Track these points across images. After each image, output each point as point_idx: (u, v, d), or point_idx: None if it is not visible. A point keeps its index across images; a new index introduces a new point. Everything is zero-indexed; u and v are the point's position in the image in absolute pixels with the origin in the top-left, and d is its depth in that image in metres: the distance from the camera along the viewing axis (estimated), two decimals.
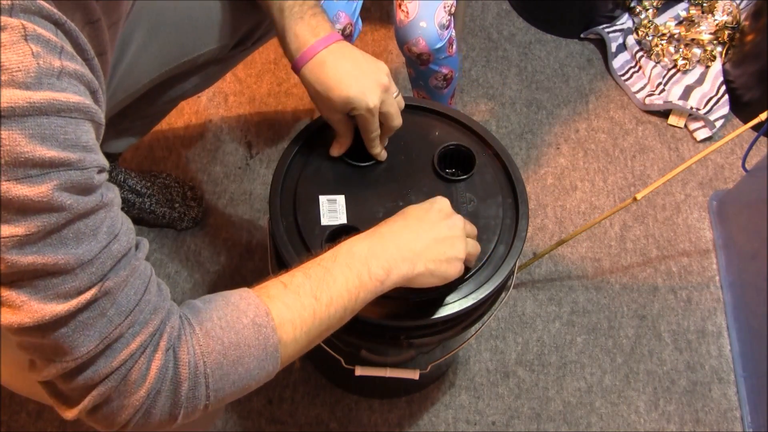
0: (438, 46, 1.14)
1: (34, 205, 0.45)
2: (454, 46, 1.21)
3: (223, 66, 1.08)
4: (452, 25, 1.17)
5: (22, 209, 0.45)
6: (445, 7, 1.13)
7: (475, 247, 0.77)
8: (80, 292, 0.49)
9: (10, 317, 0.48)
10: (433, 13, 1.12)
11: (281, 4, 0.81)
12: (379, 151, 0.87)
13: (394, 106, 0.83)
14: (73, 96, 0.46)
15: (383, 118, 0.83)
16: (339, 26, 1.19)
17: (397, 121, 0.84)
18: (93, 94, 0.50)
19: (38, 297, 0.47)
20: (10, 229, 0.45)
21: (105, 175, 0.50)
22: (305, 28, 0.80)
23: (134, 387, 0.52)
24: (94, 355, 0.51)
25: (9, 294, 0.47)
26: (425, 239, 0.70)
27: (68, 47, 0.47)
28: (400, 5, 1.14)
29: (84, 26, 0.53)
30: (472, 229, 0.79)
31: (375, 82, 0.79)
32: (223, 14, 0.96)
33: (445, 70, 1.22)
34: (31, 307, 0.47)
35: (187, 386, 0.54)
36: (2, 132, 0.43)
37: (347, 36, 1.22)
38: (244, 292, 0.61)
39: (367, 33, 1.68)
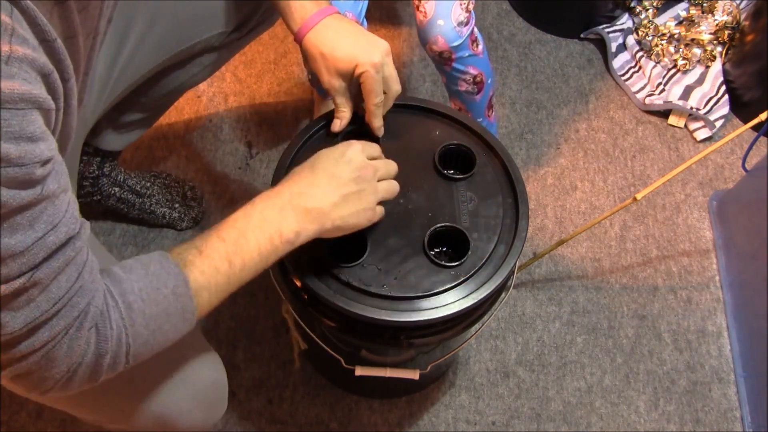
0: (457, 43, 1.14)
1: None
2: (481, 46, 1.20)
3: (221, 55, 1.09)
4: (473, 22, 1.17)
5: None
6: (461, 5, 1.13)
7: (389, 189, 0.79)
8: (8, 280, 0.49)
9: None
10: (449, 10, 1.12)
11: None
12: (380, 125, 0.87)
13: (394, 69, 0.84)
14: (20, 85, 0.45)
15: (385, 83, 0.83)
16: None
17: (397, 85, 0.85)
18: (45, 77, 0.49)
19: None
20: None
21: (50, 166, 0.49)
22: (305, 1, 0.83)
23: (55, 363, 0.54)
24: (19, 335, 0.52)
25: None
26: (333, 197, 0.72)
27: (21, 29, 0.46)
28: (418, 7, 1.15)
29: (53, 7, 0.52)
30: (388, 169, 0.80)
31: (377, 43, 0.82)
32: (220, 1, 0.97)
33: (473, 71, 1.21)
34: None
35: (108, 358, 0.57)
36: None
37: None
38: (163, 259, 0.62)
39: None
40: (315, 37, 0.82)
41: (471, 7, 1.16)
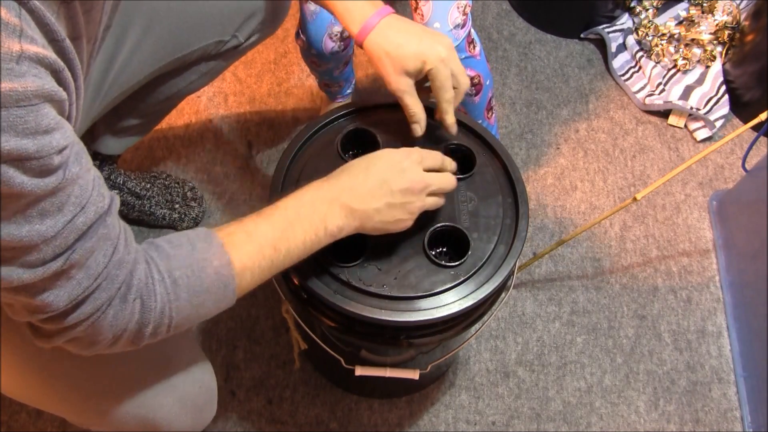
0: (454, 45, 1.14)
1: None
2: (478, 48, 1.20)
3: (218, 63, 1.09)
4: (469, 24, 1.17)
5: None
6: (458, 7, 1.13)
7: (435, 203, 0.79)
8: (45, 263, 0.52)
9: None
10: (446, 13, 1.12)
11: None
12: (453, 122, 0.85)
13: (460, 64, 0.82)
14: (32, 82, 0.46)
15: (453, 78, 0.82)
16: (338, 28, 1.19)
17: (465, 78, 0.83)
18: (56, 74, 0.50)
19: (5, 267, 0.51)
20: None
21: (67, 152, 0.51)
22: (363, 2, 0.82)
23: (101, 331, 0.58)
24: (65, 310, 0.55)
25: None
26: (379, 203, 0.73)
27: (29, 29, 0.47)
28: (415, 9, 1.15)
29: (59, 6, 0.54)
30: (442, 184, 0.78)
31: (440, 39, 0.81)
32: (217, 10, 0.97)
33: (470, 73, 1.20)
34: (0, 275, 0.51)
35: (151, 328, 0.60)
36: None
37: (347, 37, 1.23)
38: (210, 237, 0.64)
39: None
40: (378, 38, 0.81)
41: (468, 9, 1.16)
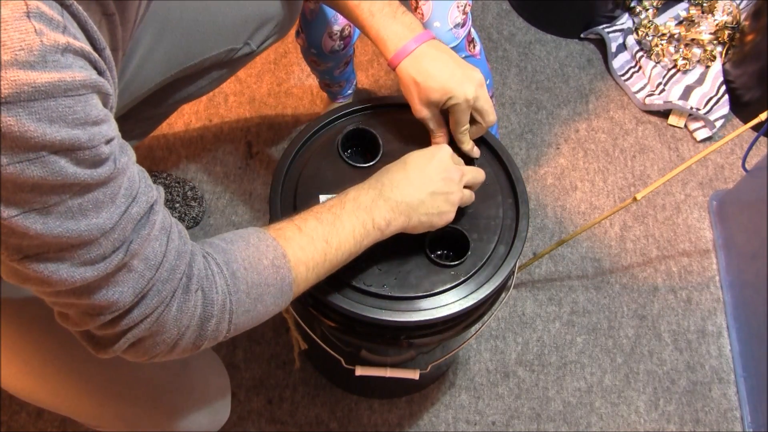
0: (453, 45, 1.14)
1: (48, 184, 0.46)
2: (478, 47, 1.20)
3: (229, 69, 1.08)
4: (469, 23, 1.17)
5: (37, 188, 0.46)
6: (458, 7, 1.13)
7: (469, 197, 0.82)
8: (105, 257, 0.51)
9: (41, 287, 0.51)
10: (446, 12, 1.12)
11: (370, 6, 0.83)
12: (471, 147, 0.88)
13: (489, 101, 0.84)
14: (79, 73, 0.46)
15: (478, 114, 0.84)
16: (338, 27, 1.19)
17: (493, 116, 0.85)
18: (101, 74, 0.50)
19: (66, 266, 0.50)
20: (29, 206, 0.46)
21: (115, 143, 0.51)
22: (400, 26, 0.83)
23: (166, 327, 0.57)
24: (129, 308, 0.54)
25: (37, 267, 0.49)
26: (422, 193, 0.74)
27: (72, 27, 0.47)
28: (416, 8, 1.15)
29: (101, 18, 0.54)
30: (475, 176, 0.82)
31: (472, 75, 0.82)
32: (230, 18, 0.96)
33: None
34: (61, 276, 0.50)
35: (214, 322, 0.59)
36: (8, 118, 0.43)
37: (347, 36, 1.22)
38: (261, 234, 0.65)
39: None
40: (410, 65, 0.82)
41: (468, 9, 1.16)
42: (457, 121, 0.83)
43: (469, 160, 0.89)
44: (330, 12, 1.18)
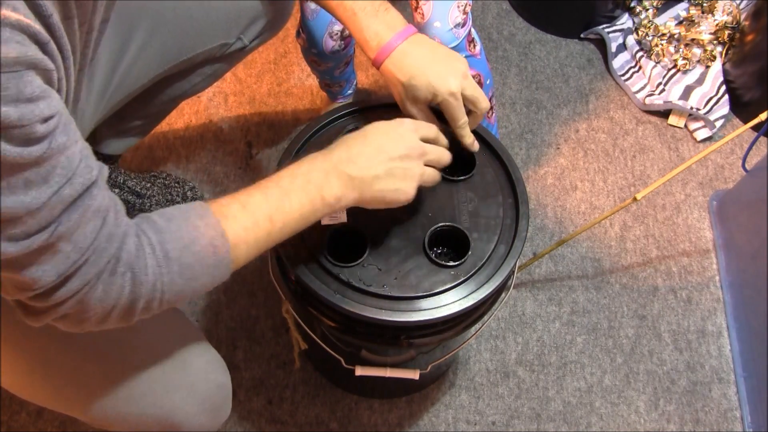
0: (453, 44, 1.14)
1: None
2: (478, 47, 1.20)
3: (222, 65, 1.09)
4: (469, 23, 1.17)
5: None
6: (459, 6, 1.13)
7: (432, 176, 0.78)
8: (29, 236, 0.51)
9: None
10: (446, 12, 1.12)
11: (353, 5, 0.82)
12: (471, 141, 0.86)
13: (477, 89, 0.83)
14: (13, 49, 0.45)
15: (469, 103, 0.83)
16: (338, 27, 1.19)
17: (484, 103, 0.84)
18: (41, 45, 0.49)
19: None
20: None
21: (54, 122, 0.50)
22: (382, 25, 0.81)
23: (90, 307, 0.57)
24: (54, 286, 0.54)
25: None
26: (378, 169, 0.72)
27: None
28: (416, 8, 1.15)
29: None
30: (439, 156, 0.79)
31: (455, 67, 0.81)
32: (222, 13, 0.97)
33: (471, 72, 1.21)
34: None
35: (143, 302, 0.59)
36: None
37: (347, 36, 1.22)
38: (203, 210, 0.63)
39: None
40: (392, 65, 0.81)
41: (468, 8, 1.16)
42: (451, 117, 0.82)
43: (469, 154, 0.88)
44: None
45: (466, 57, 1.18)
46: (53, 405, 0.79)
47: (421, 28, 1.15)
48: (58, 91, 0.53)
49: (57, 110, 0.50)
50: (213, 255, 0.62)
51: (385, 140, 0.73)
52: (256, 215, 0.65)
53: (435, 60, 0.81)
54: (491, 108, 1.32)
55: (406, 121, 0.77)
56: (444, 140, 0.82)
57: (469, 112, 0.84)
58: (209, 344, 0.86)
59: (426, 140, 0.78)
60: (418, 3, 1.14)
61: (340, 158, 0.71)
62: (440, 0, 1.12)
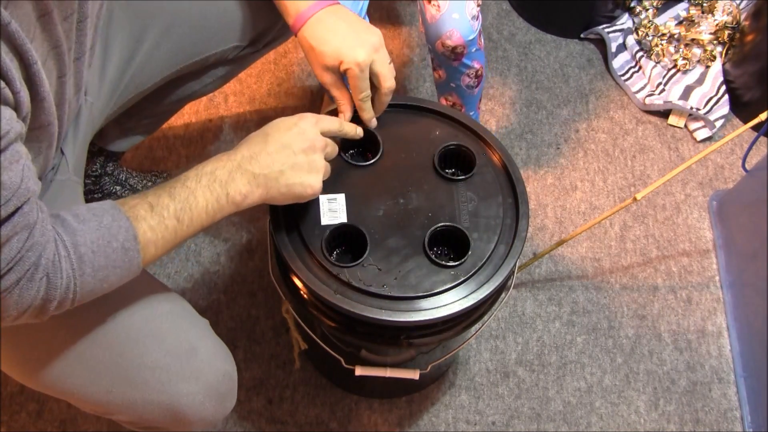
0: (471, 37, 1.15)
1: None
2: (482, 39, 1.21)
3: (234, 68, 1.09)
4: (480, 16, 1.18)
5: None
6: None
7: (327, 169, 0.80)
8: None
9: None
10: (464, 4, 1.13)
11: None
12: (370, 117, 0.88)
13: (386, 66, 0.84)
14: None
15: (375, 79, 0.84)
16: None
17: (390, 81, 0.85)
18: None
19: None
20: None
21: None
22: None
23: (7, 308, 0.59)
24: None
25: None
26: (282, 165, 0.74)
27: None
28: (430, 1, 1.15)
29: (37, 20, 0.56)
30: (333, 149, 0.81)
31: (366, 40, 0.82)
32: (237, 15, 0.97)
33: (476, 65, 1.22)
34: None
35: (56, 303, 0.61)
36: None
37: None
38: (115, 212, 0.65)
39: None
40: (307, 31, 0.83)
41: (480, 2, 1.17)
42: (354, 87, 0.84)
43: (369, 133, 0.89)
44: None
45: (476, 50, 1.19)
46: (58, 392, 0.79)
47: (437, 21, 1.15)
48: (16, 105, 0.54)
49: (6, 130, 0.52)
50: (124, 256, 0.64)
51: (286, 136, 0.75)
52: (163, 215, 0.68)
53: (349, 30, 0.82)
54: (479, 100, 1.33)
55: (307, 116, 0.78)
56: (348, 130, 0.84)
57: (374, 88, 0.85)
58: (215, 333, 0.86)
59: (328, 133, 0.79)
60: None
61: (243, 156, 0.74)
62: None
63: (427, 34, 1.19)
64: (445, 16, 1.13)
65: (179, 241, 0.71)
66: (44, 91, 0.60)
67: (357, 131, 0.86)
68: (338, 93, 0.86)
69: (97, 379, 0.76)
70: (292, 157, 0.74)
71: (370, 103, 0.86)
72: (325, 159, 0.79)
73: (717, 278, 1.40)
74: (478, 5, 1.16)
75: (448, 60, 1.20)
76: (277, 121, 0.77)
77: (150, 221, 0.67)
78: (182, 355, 0.78)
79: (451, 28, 1.14)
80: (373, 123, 0.89)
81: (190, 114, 1.51)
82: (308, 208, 0.84)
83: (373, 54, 0.82)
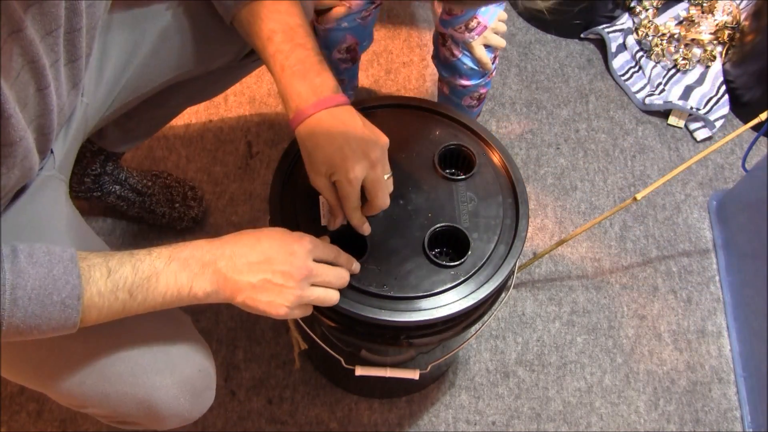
0: (483, 82, 1.20)
1: None
2: (496, 62, 1.22)
3: (237, 74, 1.08)
4: (498, 59, 1.20)
5: None
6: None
7: (323, 298, 0.75)
8: None
9: None
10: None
11: (284, 59, 0.78)
12: (360, 224, 0.81)
13: (381, 184, 0.79)
14: None
15: (367, 193, 0.79)
16: (345, 44, 1.20)
17: (382, 201, 0.79)
18: None
19: None
20: None
21: None
22: (306, 88, 0.78)
23: None
24: None
25: None
26: (254, 278, 0.70)
27: None
28: (444, 44, 1.16)
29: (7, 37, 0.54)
30: (332, 278, 0.75)
31: (363, 153, 0.76)
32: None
33: (482, 90, 1.23)
34: None
35: None
36: None
37: (351, 50, 1.23)
38: (69, 265, 0.62)
39: None
40: (304, 131, 0.78)
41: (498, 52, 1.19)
42: (343, 197, 0.78)
43: (360, 236, 0.83)
44: (338, 36, 1.19)
45: (486, 82, 1.21)
46: (31, 382, 0.78)
47: (452, 62, 1.17)
48: None
49: None
50: (62, 312, 0.62)
51: (274, 251, 0.71)
52: (118, 286, 0.65)
53: (347, 138, 0.76)
54: (477, 115, 1.34)
55: (306, 239, 0.74)
56: (349, 262, 0.79)
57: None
58: (194, 327, 0.85)
59: (322, 261, 0.75)
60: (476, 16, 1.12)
61: (224, 254, 0.70)
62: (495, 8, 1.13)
63: (438, 66, 1.22)
64: (458, 63, 1.15)
65: (127, 314, 0.67)
66: (9, 109, 0.58)
67: (354, 266, 0.79)
68: (330, 198, 0.80)
69: (69, 369, 0.75)
70: (269, 274, 0.70)
71: (359, 212, 0.80)
72: (326, 285, 0.75)
73: (717, 278, 1.40)
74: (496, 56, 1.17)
75: (455, 85, 1.22)
76: (276, 231, 0.74)
77: (101, 287, 0.64)
78: (157, 348, 0.78)
79: (465, 76, 1.16)
80: (366, 229, 0.82)
81: (190, 114, 1.51)
82: (308, 209, 0.84)
83: (369, 170, 0.76)
